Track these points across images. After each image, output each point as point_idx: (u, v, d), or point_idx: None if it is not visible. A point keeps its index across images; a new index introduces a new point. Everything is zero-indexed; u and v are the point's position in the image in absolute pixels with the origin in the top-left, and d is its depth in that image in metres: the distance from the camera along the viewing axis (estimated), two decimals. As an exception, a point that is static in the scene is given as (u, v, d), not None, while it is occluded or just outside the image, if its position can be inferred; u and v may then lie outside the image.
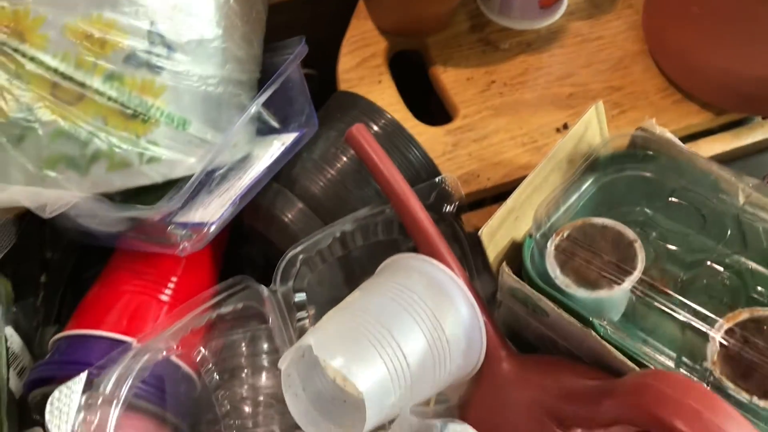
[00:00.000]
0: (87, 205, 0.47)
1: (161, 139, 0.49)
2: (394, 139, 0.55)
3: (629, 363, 0.42)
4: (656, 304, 0.46)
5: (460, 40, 0.65)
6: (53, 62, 0.44)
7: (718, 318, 0.44)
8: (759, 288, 0.46)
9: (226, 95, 0.51)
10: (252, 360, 0.47)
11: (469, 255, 0.55)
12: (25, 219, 0.58)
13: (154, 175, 0.50)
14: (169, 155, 0.49)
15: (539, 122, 0.61)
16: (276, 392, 0.50)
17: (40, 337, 0.59)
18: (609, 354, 0.43)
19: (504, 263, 0.47)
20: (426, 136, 0.60)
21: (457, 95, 0.62)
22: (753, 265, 0.47)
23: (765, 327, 0.43)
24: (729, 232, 0.48)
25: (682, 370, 0.43)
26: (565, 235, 0.49)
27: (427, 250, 0.48)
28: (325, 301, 0.57)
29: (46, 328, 0.59)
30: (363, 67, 0.63)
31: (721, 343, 0.42)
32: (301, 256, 0.48)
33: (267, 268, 0.64)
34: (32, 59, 0.44)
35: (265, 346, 0.47)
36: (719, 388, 0.41)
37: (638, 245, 0.48)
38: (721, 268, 0.48)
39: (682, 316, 0.45)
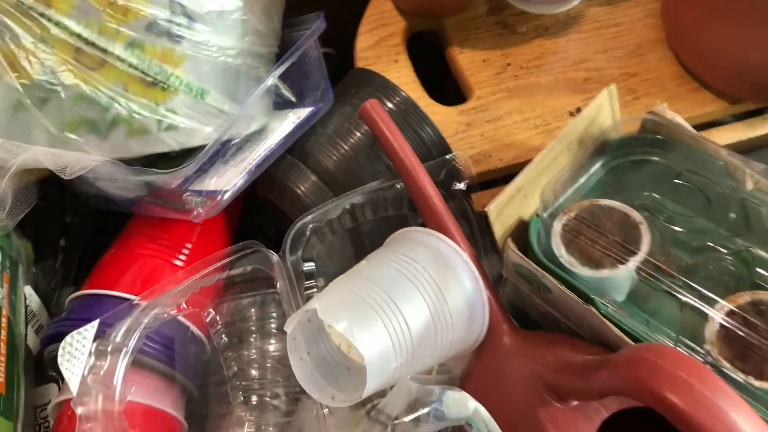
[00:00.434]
0: (106, 169, 0.49)
1: (179, 108, 0.50)
2: (408, 116, 0.56)
3: (627, 340, 0.43)
4: (660, 285, 0.46)
5: (478, 22, 0.66)
6: (77, 28, 0.46)
7: (719, 299, 0.44)
8: (762, 272, 0.47)
9: (244, 67, 0.52)
10: (260, 324, 0.48)
11: (478, 234, 0.56)
12: (47, 183, 0.60)
13: (171, 143, 0.51)
14: (187, 124, 0.51)
15: (553, 105, 0.61)
16: (283, 357, 0.51)
17: (57, 297, 0.61)
18: (609, 331, 0.44)
19: (509, 239, 0.47)
20: (440, 115, 0.61)
21: (473, 76, 0.63)
22: (757, 249, 0.47)
23: (765, 309, 0.43)
24: (733, 217, 0.48)
25: (680, 347, 0.44)
26: (573, 215, 0.50)
27: (435, 224, 0.49)
28: (334, 273, 0.58)
29: (64, 289, 0.61)
30: (381, 46, 0.64)
31: (721, 324, 0.43)
32: (310, 226, 0.49)
33: (279, 240, 0.66)
34: (57, 24, 0.45)
35: (274, 310, 0.48)
36: (716, 368, 0.42)
37: (644, 227, 0.49)
38: (725, 251, 0.48)
39: (685, 297, 0.45)
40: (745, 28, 0.57)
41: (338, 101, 0.57)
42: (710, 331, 0.43)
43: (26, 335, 0.56)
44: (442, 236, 0.48)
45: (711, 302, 0.44)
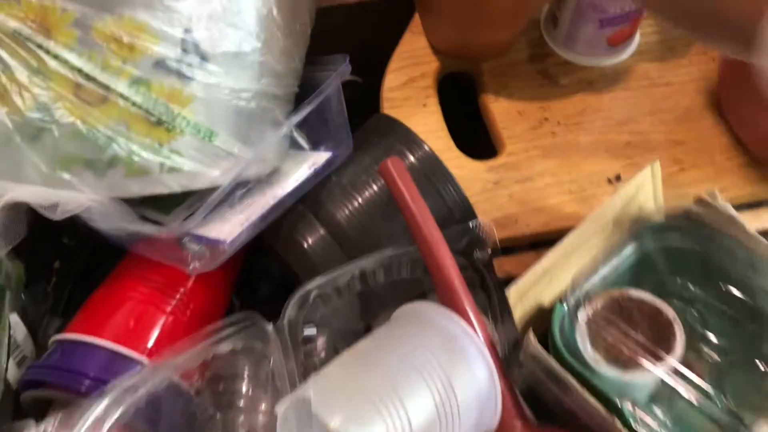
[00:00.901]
0: (100, 210, 0.45)
1: (185, 149, 0.46)
2: (431, 174, 0.51)
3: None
4: (688, 393, 0.42)
5: (517, 69, 0.61)
6: (78, 62, 0.42)
7: (753, 418, 0.40)
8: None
9: (258, 110, 0.48)
10: (250, 397, 0.44)
11: (496, 304, 0.52)
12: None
13: (173, 185, 0.47)
14: (192, 166, 0.47)
15: (590, 169, 0.56)
16: (272, 424, 0.47)
17: (45, 326, 0.58)
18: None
19: (530, 331, 0.43)
20: (466, 170, 0.56)
21: (506, 129, 0.59)
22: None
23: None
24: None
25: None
26: (599, 305, 0.46)
27: (449, 303, 0.45)
28: (336, 331, 0.54)
29: (53, 319, 0.58)
30: (410, 86, 0.60)
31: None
32: (315, 292, 0.45)
33: (283, 284, 0.62)
34: (56, 57, 0.41)
35: (266, 385, 0.44)
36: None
37: (677, 327, 0.45)
38: (763, 367, 0.44)
39: (714, 411, 0.41)
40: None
41: (358, 149, 0.53)
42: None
43: (6, 368, 0.52)
44: (456, 318, 0.44)
45: (744, 421, 0.40)
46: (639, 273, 0.49)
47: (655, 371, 0.43)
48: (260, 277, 0.61)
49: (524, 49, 0.62)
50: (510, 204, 0.55)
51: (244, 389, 0.44)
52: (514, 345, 0.50)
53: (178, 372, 0.41)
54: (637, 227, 0.48)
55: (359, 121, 0.55)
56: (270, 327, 0.44)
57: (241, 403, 0.46)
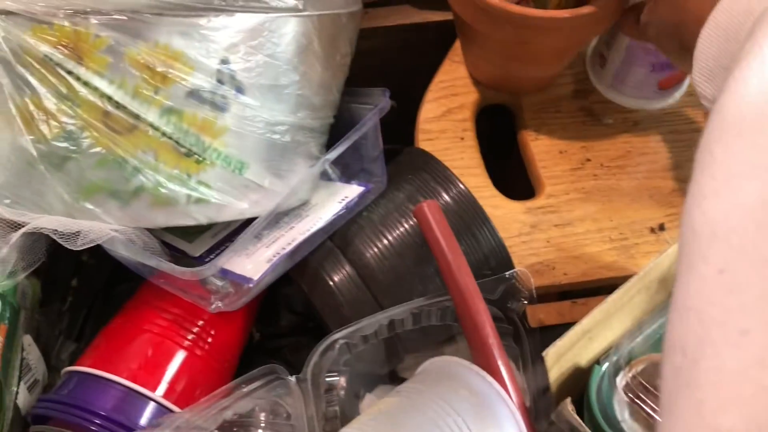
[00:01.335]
0: (122, 241, 0.43)
1: (213, 181, 0.44)
2: (466, 214, 0.49)
3: None
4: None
5: (560, 105, 0.59)
6: (108, 89, 0.40)
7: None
8: None
9: (292, 143, 0.46)
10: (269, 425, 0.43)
11: (528, 352, 0.50)
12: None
13: (199, 217, 0.45)
14: (220, 199, 0.45)
15: (633, 217, 0.54)
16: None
17: (59, 349, 0.56)
18: None
19: (568, 401, 0.41)
20: (502, 210, 0.54)
21: (546, 169, 0.56)
22: None
23: None
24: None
25: None
26: (639, 370, 0.43)
27: (484, 363, 0.42)
28: (359, 376, 0.52)
29: (66, 342, 0.56)
30: (447, 119, 0.58)
31: None
32: (341, 341, 0.43)
33: (306, 315, 0.60)
34: (86, 84, 0.39)
35: (284, 414, 0.42)
36: None
37: (725, 399, 0.42)
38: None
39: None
40: None
41: (390, 184, 0.51)
42: None
43: (17, 393, 0.51)
44: (490, 379, 0.41)
45: None
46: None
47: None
48: (281, 308, 0.59)
49: (568, 83, 0.59)
50: (547, 250, 0.53)
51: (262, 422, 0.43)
52: (544, 392, 0.47)
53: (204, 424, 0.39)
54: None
55: (390, 146, 0.53)
56: (293, 380, 0.42)
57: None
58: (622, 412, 0.42)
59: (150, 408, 0.45)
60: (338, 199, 0.50)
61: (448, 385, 0.41)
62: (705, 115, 0.50)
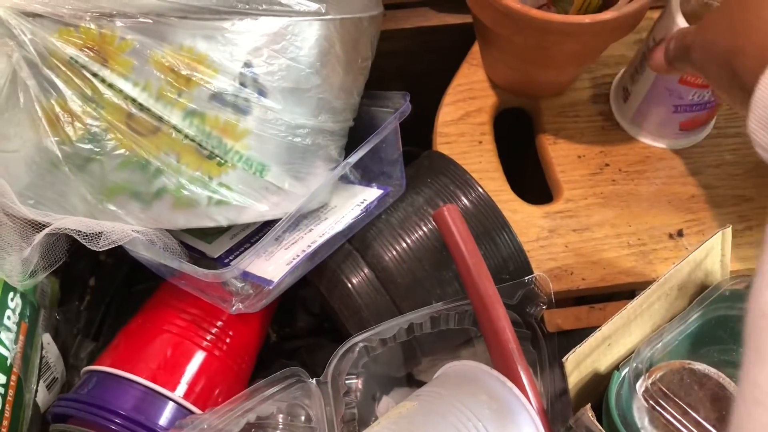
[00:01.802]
0: (144, 242, 0.43)
1: (234, 184, 0.44)
2: (485, 219, 0.49)
3: None
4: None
5: (578, 109, 0.59)
6: (133, 91, 0.40)
7: None
8: None
9: (313, 146, 0.46)
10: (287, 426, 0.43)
11: (546, 357, 0.50)
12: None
13: (220, 219, 0.45)
14: (240, 201, 0.45)
15: (651, 222, 0.54)
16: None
17: (76, 347, 0.56)
18: None
19: (588, 407, 0.41)
20: (521, 215, 0.54)
21: (564, 173, 0.56)
22: None
23: None
24: None
25: None
26: (659, 376, 0.43)
27: (503, 366, 0.42)
28: (376, 377, 0.52)
29: (85, 341, 0.56)
30: (465, 122, 0.58)
31: None
32: (360, 345, 0.43)
33: (322, 319, 0.60)
34: (111, 86, 0.40)
35: (303, 415, 0.43)
36: None
37: (745, 407, 0.41)
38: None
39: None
40: None
41: (409, 187, 0.51)
42: None
43: (36, 391, 0.51)
44: (510, 385, 0.41)
45: None
46: (702, 341, 0.46)
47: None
48: (298, 309, 0.59)
49: (586, 88, 0.59)
50: (566, 255, 0.53)
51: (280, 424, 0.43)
52: (561, 396, 0.47)
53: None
54: (703, 294, 0.45)
55: (408, 148, 0.52)
56: (314, 383, 0.42)
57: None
58: (641, 419, 0.42)
59: (169, 408, 0.46)
60: (357, 201, 0.50)
61: (468, 390, 0.41)
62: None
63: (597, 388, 0.45)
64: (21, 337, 0.50)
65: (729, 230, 0.46)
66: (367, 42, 0.48)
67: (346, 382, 0.45)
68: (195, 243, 0.52)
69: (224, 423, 0.39)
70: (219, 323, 0.50)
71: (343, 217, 0.49)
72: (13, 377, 0.48)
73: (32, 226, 0.44)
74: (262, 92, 0.42)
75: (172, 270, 0.47)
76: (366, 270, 0.49)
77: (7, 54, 0.38)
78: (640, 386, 0.42)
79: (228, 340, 0.50)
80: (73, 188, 0.41)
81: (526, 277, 0.47)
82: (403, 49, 0.65)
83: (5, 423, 0.47)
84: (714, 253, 0.46)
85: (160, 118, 0.41)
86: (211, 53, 0.41)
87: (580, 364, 0.43)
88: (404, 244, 0.49)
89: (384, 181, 0.51)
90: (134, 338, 0.49)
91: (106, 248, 0.43)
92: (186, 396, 0.46)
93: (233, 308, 0.44)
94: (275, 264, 0.47)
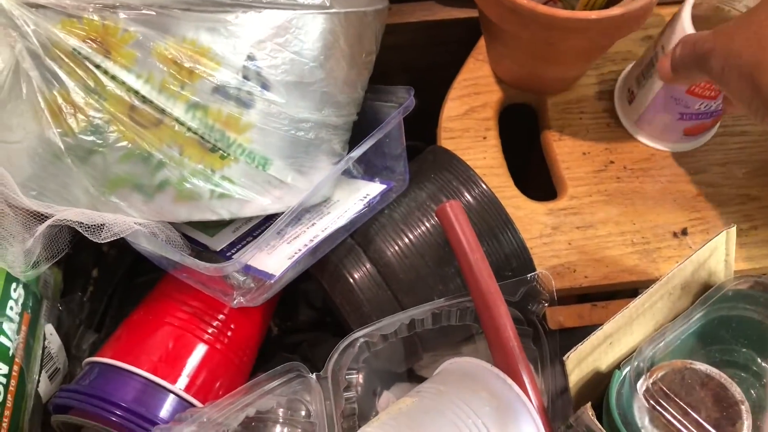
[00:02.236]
0: (145, 235, 0.43)
1: (237, 177, 0.44)
2: (488, 215, 0.49)
3: None
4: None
5: (584, 105, 0.58)
6: (136, 83, 0.40)
7: None
8: None
9: (316, 140, 0.46)
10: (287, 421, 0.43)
11: (547, 354, 0.49)
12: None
13: (222, 212, 0.45)
14: (243, 194, 0.45)
15: (656, 221, 0.53)
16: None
17: (79, 338, 0.56)
18: None
19: (588, 406, 0.40)
20: (524, 211, 0.54)
21: (569, 170, 0.56)
22: None
23: None
24: None
25: None
26: (660, 376, 0.43)
27: (503, 363, 0.42)
28: (377, 372, 0.52)
29: (87, 332, 0.56)
30: (469, 117, 0.57)
31: None
32: (361, 340, 0.43)
33: (324, 312, 0.60)
34: (113, 78, 0.39)
35: (302, 428, 0.43)
36: None
37: (745, 409, 0.41)
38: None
39: None
40: None
41: (412, 182, 0.51)
42: None
43: (39, 381, 0.51)
44: (510, 383, 0.41)
45: None
46: (704, 340, 0.46)
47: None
48: (300, 303, 0.59)
49: (592, 84, 0.59)
50: (568, 252, 0.52)
51: (280, 417, 0.43)
52: (561, 393, 0.47)
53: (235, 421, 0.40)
54: (707, 294, 0.45)
55: (412, 142, 0.52)
56: (314, 378, 0.42)
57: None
58: (642, 418, 0.42)
59: (170, 400, 0.46)
60: (360, 196, 0.50)
61: (469, 387, 0.41)
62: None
63: (598, 386, 0.45)
64: (24, 328, 0.50)
65: (733, 230, 0.45)
66: (371, 36, 0.48)
67: (347, 377, 0.45)
68: (197, 236, 0.52)
69: (224, 417, 0.39)
70: (221, 316, 0.50)
71: (346, 211, 0.49)
72: (15, 367, 0.48)
73: (35, 217, 0.44)
74: (265, 86, 0.42)
75: (173, 263, 0.47)
76: (368, 265, 0.49)
77: (10, 45, 0.38)
78: (641, 386, 0.42)
79: (229, 333, 0.50)
80: (75, 180, 0.41)
81: (529, 275, 0.47)
82: (408, 42, 0.64)
83: (7, 413, 0.47)
84: (718, 253, 0.46)
85: (162, 111, 0.41)
86: (214, 46, 0.40)
87: (581, 362, 0.43)
88: (407, 240, 0.49)
89: (387, 176, 0.51)
90: (136, 330, 0.49)
91: (109, 240, 0.43)
92: (187, 389, 0.46)
93: (235, 302, 0.44)
94: (277, 258, 0.47)
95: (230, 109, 0.42)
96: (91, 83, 0.39)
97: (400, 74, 0.68)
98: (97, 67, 0.39)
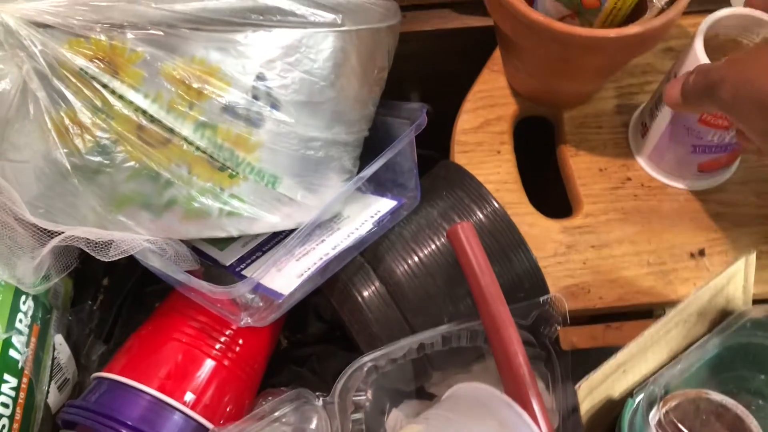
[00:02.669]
0: (153, 253, 0.43)
1: (246, 195, 0.44)
2: (500, 234, 0.48)
3: None
4: None
5: (602, 120, 0.57)
6: (143, 103, 0.39)
7: None
8: None
9: (326, 158, 0.45)
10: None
11: (558, 375, 0.49)
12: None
13: (231, 230, 0.45)
14: (252, 212, 0.44)
15: (672, 241, 0.52)
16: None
17: (88, 348, 0.56)
18: None
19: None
20: (538, 229, 0.53)
21: (585, 186, 0.54)
22: None
23: None
24: None
25: None
26: (673, 405, 0.42)
27: (513, 390, 0.42)
28: (385, 390, 0.52)
29: (96, 343, 0.56)
30: (484, 131, 0.56)
31: None
32: (369, 365, 0.43)
33: (333, 325, 0.60)
34: (121, 97, 0.39)
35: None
36: None
37: (762, 442, 0.40)
38: None
39: None
40: None
41: (424, 198, 0.50)
42: None
43: (48, 392, 0.51)
44: (519, 409, 0.40)
45: None
46: (719, 368, 0.45)
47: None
48: (309, 315, 0.59)
49: (610, 97, 0.58)
50: (583, 272, 0.51)
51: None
52: (572, 412, 0.47)
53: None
54: (724, 323, 0.44)
55: (424, 152, 0.51)
56: (320, 403, 0.41)
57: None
58: (654, 449, 0.41)
59: (176, 418, 0.46)
60: (371, 213, 0.49)
61: (478, 415, 0.40)
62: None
63: (610, 414, 0.44)
64: (33, 340, 0.50)
65: (753, 256, 0.44)
66: (384, 52, 0.47)
67: (354, 399, 0.45)
68: (207, 249, 0.52)
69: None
70: (228, 331, 0.50)
71: (356, 230, 0.48)
72: (24, 380, 0.48)
73: (45, 232, 0.44)
74: (275, 105, 0.42)
75: (177, 281, 0.47)
76: (377, 284, 0.48)
77: (18, 65, 0.38)
78: (653, 417, 0.41)
79: (237, 349, 0.50)
80: (82, 199, 0.41)
81: (541, 298, 0.46)
82: (423, 51, 0.63)
83: (16, 426, 0.47)
84: (737, 280, 0.45)
85: (171, 130, 0.40)
86: (223, 66, 0.40)
87: (594, 390, 0.42)
88: (416, 259, 0.48)
89: (398, 192, 0.50)
90: (144, 345, 0.49)
91: (117, 258, 0.43)
92: (193, 406, 0.46)
93: (242, 322, 0.44)
94: (286, 276, 0.46)
95: (239, 129, 0.42)
96: (99, 103, 0.39)
97: (414, 83, 0.67)
98: (105, 86, 0.39)
